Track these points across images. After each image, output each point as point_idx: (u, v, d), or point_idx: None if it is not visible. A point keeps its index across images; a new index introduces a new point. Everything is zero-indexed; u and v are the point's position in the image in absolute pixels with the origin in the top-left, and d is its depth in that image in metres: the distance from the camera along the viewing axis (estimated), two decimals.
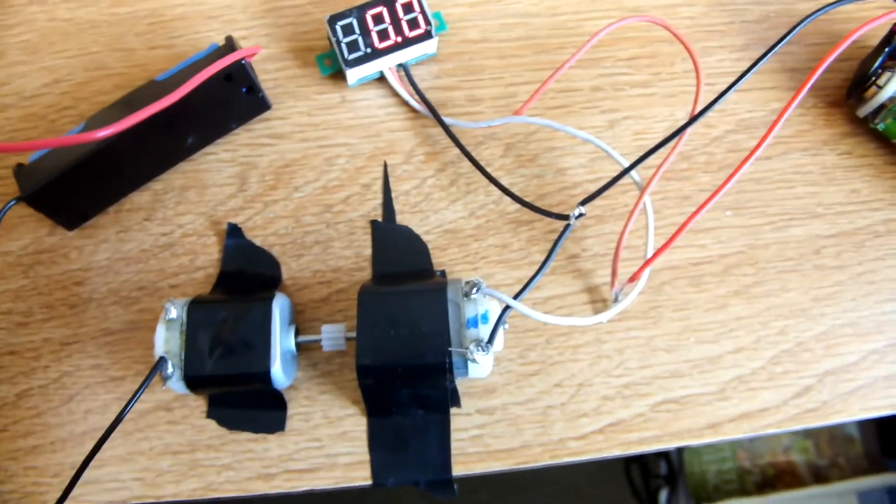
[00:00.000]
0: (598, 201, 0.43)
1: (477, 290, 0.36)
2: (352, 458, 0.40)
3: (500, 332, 0.36)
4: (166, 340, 0.37)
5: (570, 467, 1.36)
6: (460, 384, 0.41)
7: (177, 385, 0.37)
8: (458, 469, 0.40)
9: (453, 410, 0.40)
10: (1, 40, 0.48)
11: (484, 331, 0.36)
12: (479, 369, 0.36)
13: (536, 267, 0.37)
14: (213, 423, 0.41)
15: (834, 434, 1.27)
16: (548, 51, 0.46)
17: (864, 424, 1.26)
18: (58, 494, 0.38)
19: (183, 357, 0.37)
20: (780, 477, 1.28)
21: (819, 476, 1.27)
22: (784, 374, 0.41)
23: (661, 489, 1.35)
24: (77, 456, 0.41)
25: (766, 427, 0.40)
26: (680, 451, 1.31)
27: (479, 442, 0.40)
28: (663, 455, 1.34)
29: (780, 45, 0.37)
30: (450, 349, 0.36)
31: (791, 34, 0.38)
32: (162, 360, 0.37)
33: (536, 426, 0.40)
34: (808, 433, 1.28)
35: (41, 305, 0.43)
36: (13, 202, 0.41)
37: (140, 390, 0.36)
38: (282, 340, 0.38)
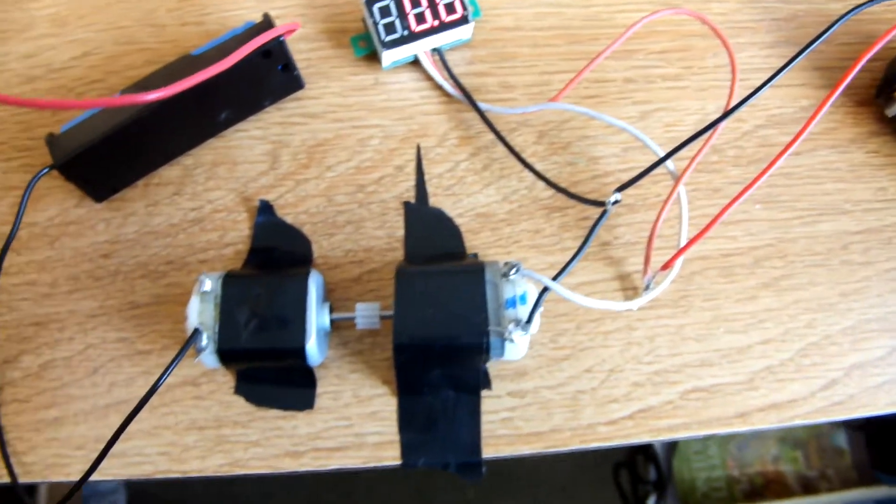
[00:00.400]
0: (630, 191, 0.43)
1: (516, 271, 0.36)
2: (381, 437, 0.40)
3: (537, 313, 0.36)
4: (200, 313, 0.37)
5: (559, 470, 1.36)
6: (492, 366, 0.41)
7: (209, 358, 0.37)
8: (488, 451, 0.40)
9: (484, 392, 0.40)
10: (30, 12, 0.47)
11: (522, 311, 0.36)
12: (515, 350, 0.36)
13: (568, 253, 0.37)
14: (240, 400, 0.41)
15: (823, 445, 1.28)
16: (580, 41, 0.47)
17: (854, 436, 1.27)
18: (80, 467, 0.38)
19: (217, 330, 0.37)
20: (769, 486, 1.28)
21: (808, 487, 1.28)
22: (812, 367, 0.41)
23: (650, 495, 1.35)
24: (100, 429, 0.40)
25: (794, 418, 0.41)
26: (669, 457, 1.31)
27: (509, 424, 0.40)
28: (652, 461, 1.34)
29: (816, 43, 0.37)
30: (488, 328, 0.36)
31: (828, 33, 0.38)
32: (197, 332, 0.36)
33: (567, 410, 0.40)
34: (798, 443, 1.29)
35: (67, 277, 0.43)
36: (46, 170, 0.40)
37: (176, 360, 0.35)
38: (317, 317, 0.38)
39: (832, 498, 1.27)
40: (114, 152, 0.41)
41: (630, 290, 0.42)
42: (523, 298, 0.36)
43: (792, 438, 1.29)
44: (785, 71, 0.37)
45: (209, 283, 0.37)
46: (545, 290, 0.35)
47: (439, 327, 0.36)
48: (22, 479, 0.40)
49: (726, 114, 0.38)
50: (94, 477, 0.39)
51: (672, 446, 1.31)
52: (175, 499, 1.31)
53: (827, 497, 1.27)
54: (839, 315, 0.42)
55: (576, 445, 0.40)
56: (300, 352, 0.37)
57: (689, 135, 0.38)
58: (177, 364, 0.35)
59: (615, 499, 1.39)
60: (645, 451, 1.36)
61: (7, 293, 0.42)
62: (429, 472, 1.24)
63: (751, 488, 1.29)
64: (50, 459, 0.40)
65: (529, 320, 0.35)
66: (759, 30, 0.47)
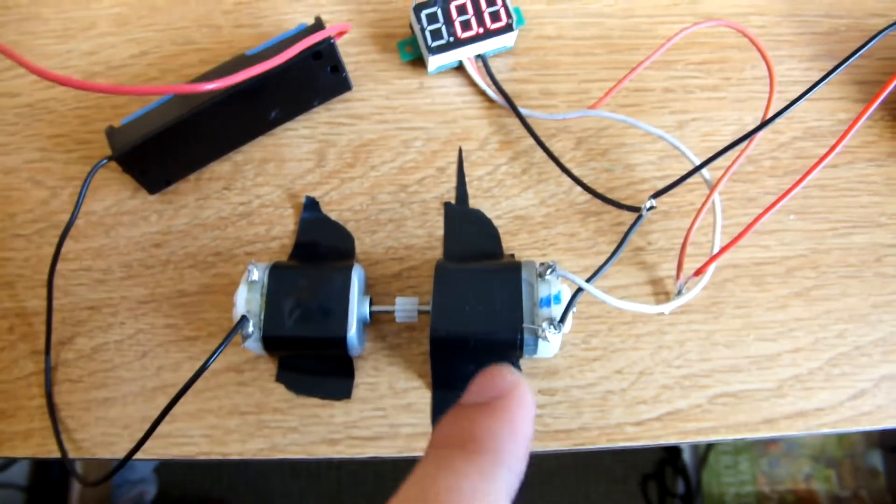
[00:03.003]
0: (664, 198, 0.44)
1: (551, 272, 0.37)
2: (414, 429, 0.41)
3: (571, 313, 0.37)
4: (247, 301, 0.39)
5: (586, 481, 1.36)
6: (524, 364, 0.42)
7: (254, 345, 0.39)
8: None
9: None
10: (92, 12, 0.49)
11: (556, 311, 0.37)
12: (548, 348, 0.37)
13: (603, 256, 0.38)
14: (280, 388, 0.42)
15: (857, 465, 1.27)
16: (621, 51, 0.48)
17: (890, 458, 1.25)
18: (126, 445, 0.40)
19: (262, 317, 0.38)
20: None
21: None
22: (841, 377, 0.42)
23: None
24: (147, 411, 0.42)
25: (821, 427, 0.41)
26: (698, 470, 1.31)
27: (539, 421, 0.41)
28: (681, 473, 1.34)
29: (855, 57, 0.38)
30: (523, 325, 0.37)
31: (866, 47, 0.39)
32: (244, 319, 0.38)
33: (596, 410, 0.41)
34: (831, 462, 1.28)
35: (120, 265, 0.45)
36: (105, 161, 0.42)
37: (223, 345, 0.37)
38: (358, 308, 0.39)
39: None
40: (168, 146, 0.43)
41: (662, 294, 0.43)
42: (557, 298, 0.37)
43: (825, 457, 1.28)
44: (822, 83, 0.38)
45: (257, 273, 0.39)
46: (579, 290, 0.36)
47: (475, 322, 0.37)
48: (72, 455, 0.42)
49: (763, 124, 0.39)
50: (139, 456, 0.41)
51: (702, 460, 1.31)
52: (203, 489, 1.33)
53: None
54: (870, 326, 0.43)
55: (603, 444, 0.41)
56: (341, 341, 0.38)
57: (725, 145, 0.39)
58: (223, 348, 0.37)
59: None
60: (673, 463, 1.35)
61: (64, 278, 0.45)
62: None
63: None
64: (98, 437, 0.42)
65: (563, 319, 0.36)
66: (799, 43, 0.48)
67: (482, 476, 0.27)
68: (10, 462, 1.11)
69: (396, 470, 1.32)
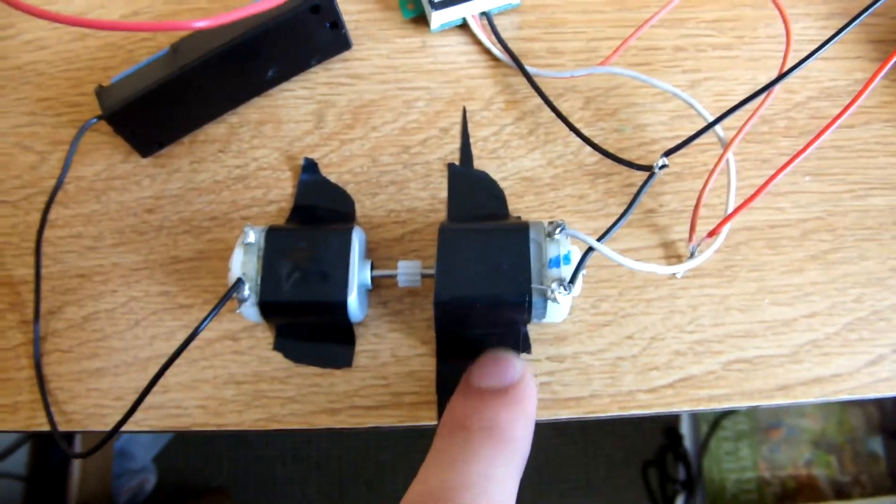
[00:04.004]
0: (676, 158, 0.42)
1: (560, 231, 0.36)
2: (418, 398, 0.40)
3: (580, 275, 0.35)
4: (243, 264, 0.37)
5: (586, 466, 1.35)
6: (532, 330, 0.40)
7: (250, 311, 0.37)
8: None
9: (523, 356, 0.40)
10: None
11: (566, 272, 0.36)
12: (557, 310, 0.36)
13: (612, 218, 0.36)
14: (278, 356, 0.41)
15: (858, 450, 1.26)
16: (630, 8, 0.46)
17: (890, 443, 1.24)
18: (118, 417, 0.38)
19: (259, 282, 0.37)
20: (801, 490, 1.27)
21: (840, 492, 1.26)
22: (858, 342, 0.40)
23: (678, 494, 1.34)
24: (140, 381, 0.41)
25: (838, 393, 0.40)
26: (699, 456, 1.30)
27: (547, 389, 0.39)
28: (682, 460, 1.33)
29: (868, 12, 0.36)
30: (531, 286, 0.35)
31: (879, 2, 0.37)
32: (239, 282, 0.36)
33: (606, 377, 0.40)
34: (832, 448, 1.27)
35: (112, 231, 0.43)
36: (94, 120, 0.41)
37: (216, 308, 0.36)
38: (359, 272, 0.38)
39: None
40: (161, 105, 0.41)
41: (674, 257, 0.42)
42: (567, 258, 0.36)
43: (826, 443, 1.27)
44: (835, 40, 0.37)
45: (253, 235, 0.37)
46: (590, 250, 0.35)
47: (481, 285, 0.36)
48: (62, 428, 0.41)
49: (778, 78, 0.38)
50: (131, 428, 0.39)
51: (703, 446, 1.30)
52: (204, 478, 1.33)
53: (860, 503, 1.25)
54: (889, 290, 0.41)
55: (615, 412, 0.39)
56: (341, 306, 0.37)
57: (744, 98, 0.37)
58: (217, 312, 0.36)
59: (643, 497, 1.38)
60: (675, 449, 1.35)
61: (53, 245, 0.43)
62: None
63: (782, 491, 1.27)
64: (90, 409, 0.41)
65: (573, 280, 0.35)
66: (815, 1, 0.46)
67: (508, 463, 0.31)
68: (9, 451, 1.10)
69: (397, 459, 1.31)
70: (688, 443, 1.32)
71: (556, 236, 0.36)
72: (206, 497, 1.30)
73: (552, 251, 0.36)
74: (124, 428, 0.38)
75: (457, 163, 0.43)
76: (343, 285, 0.37)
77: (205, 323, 0.36)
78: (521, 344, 0.39)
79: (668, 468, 1.35)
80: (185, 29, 0.30)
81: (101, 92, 0.41)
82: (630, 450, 1.36)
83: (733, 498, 1.27)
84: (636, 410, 0.39)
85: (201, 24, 0.31)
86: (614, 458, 1.36)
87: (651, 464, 1.37)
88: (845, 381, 0.40)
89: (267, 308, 0.37)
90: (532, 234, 0.37)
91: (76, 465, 1.13)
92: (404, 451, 1.30)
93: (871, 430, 1.26)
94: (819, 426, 1.26)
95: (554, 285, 0.35)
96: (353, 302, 0.37)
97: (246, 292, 0.37)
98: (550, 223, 0.36)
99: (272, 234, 0.38)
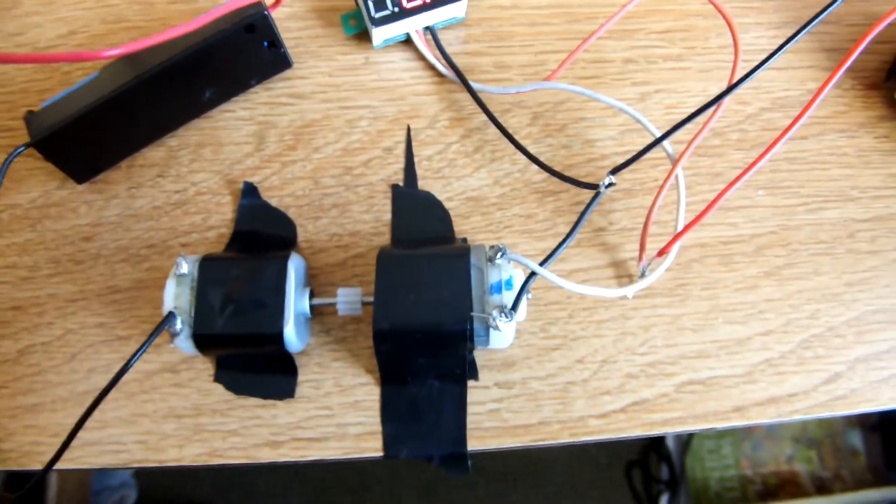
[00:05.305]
0: (626, 174, 0.41)
1: (501, 255, 0.35)
2: (363, 428, 0.39)
3: (524, 300, 0.34)
4: (176, 296, 0.36)
5: (571, 468, 1.34)
6: (479, 356, 0.39)
7: (184, 344, 0.36)
8: (474, 444, 0.38)
9: (470, 383, 0.39)
10: None
11: (507, 297, 0.34)
12: (500, 338, 0.35)
13: (561, 238, 0.35)
14: (220, 388, 0.39)
15: (838, 445, 1.26)
16: (579, 20, 0.45)
17: (869, 437, 1.24)
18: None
19: (193, 314, 0.36)
20: (783, 486, 1.26)
21: (822, 487, 1.26)
22: (814, 360, 0.39)
23: (662, 494, 1.34)
24: (78, 416, 0.39)
25: (794, 413, 0.39)
26: (682, 456, 1.30)
27: (496, 416, 0.38)
28: (665, 459, 1.33)
29: (817, 21, 0.36)
30: (472, 314, 0.34)
31: (829, 9, 0.36)
32: (171, 316, 0.35)
33: (556, 402, 0.39)
34: (812, 443, 1.27)
35: (47, 260, 0.42)
36: (22, 148, 0.39)
37: (146, 344, 0.34)
38: (296, 301, 0.36)
39: (846, 498, 1.25)
40: (94, 130, 0.40)
41: (625, 277, 0.41)
42: (509, 284, 0.35)
43: (806, 438, 1.27)
44: (784, 49, 0.35)
45: (186, 266, 0.36)
46: (532, 275, 0.34)
47: (421, 313, 0.35)
48: None
49: (727, 91, 0.37)
50: (66, 466, 0.38)
51: (685, 445, 1.30)
52: (185, 493, 1.31)
53: (841, 497, 1.25)
54: (844, 306, 0.40)
55: (565, 439, 0.38)
56: (278, 337, 0.35)
57: (693, 111, 0.36)
58: (145, 349, 0.34)
59: (628, 497, 1.37)
60: (658, 449, 1.34)
61: None
62: (438, 470, 1.23)
63: (764, 488, 1.27)
64: (26, 447, 0.39)
65: (515, 307, 0.34)
66: (766, 10, 0.46)
67: None
68: None
69: (381, 466, 1.30)
70: (671, 442, 1.32)
71: (498, 261, 0.35)
72: None
73: (493, 276, 0.35)
74: (60, 466, 0.37)
75: (401, 183, 0.42)
76: (279, 316, 0.35)
77: (134, 359, 0.34)
78: (468, 371, 0.38)
79: (652, 468, 1.34)
80: (94, 59, 0.29)
81: (29, 119, 0.39)
82: (614, 451, 1.36)
83: (717, 496, 1.27)
84: (587, 437, 0.38)
85: (112, 52, 0.30)
86: (598, 459, 1.36)
87: (635, 464, 1.36)
88: (801, 401, 0.39)
89: (201, 341, 0.36)
90: (473, 260, 0.35)
91: (53, 481, 1.11)
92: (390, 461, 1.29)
93: (850, 425, 1.26)
94: (799, 422, 1.26)
95: (495, 312, 0.34)
96: (290, 332, 0.36)
97: (178, 326, 0.35)
98: (492, 247, 0.35)
99: (206, 264, 0.37)
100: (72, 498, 1.16)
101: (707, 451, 1.30)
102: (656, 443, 1.35)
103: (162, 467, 0.39)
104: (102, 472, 1.24)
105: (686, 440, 1.30)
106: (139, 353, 0.34)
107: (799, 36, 0.36)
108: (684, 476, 1.30)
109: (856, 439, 1.27)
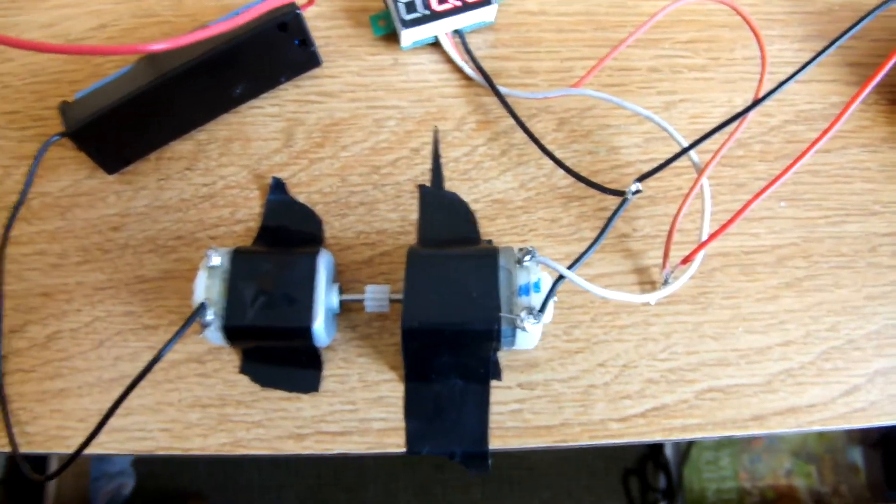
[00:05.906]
0: (651, 182, 0.42)
1: (531, 258, 0.35)
2: (386, 423, 0.39)
3: (551, 302, 0.34)
4: (207, 288, 0.36)
5: (567, 474, 1.35)
6: (502, 356, 0.40)
7: (214, 335, 0.36)
8: (495, 443, 0.39)
9: (493, 383, 0.39)
10: None
11: (535, 299, 0.35)
12: (527, 339, 0.35)
13: (585, 243, 0.36)
14: (245, 379, 0.40)
15: (838, 461, 1.26)
16: (606, 28, 0.46)
17: (870, 454, 1.24)
18: (82, 439, 0.37)
19: (223, 306, 0.36)
20: (781, 500, 1.26)
21: (820, 502, 1.26)
22: (833, 371, 0.40)
23: (659, 503, 1.34)
24: (104, 402, 0.40)
25: (812, 424, 0.39)
26: (680, 465, 1.30)
27: (517, 417, 0.39)
28: (662, 468, 1.33)
29: (846, 36, 0.36)
30: (500, 315, 0.35)
31: (859, 25, 0.37)
32: (203, 306, 0.36)
33: (577, 405, 0.39)
34: (811, 458, 1.27)
35: (76, 248, 0.42)
36: (57, 137, 0.40)
37: (179, 332, 0.35)
38: (325, 297, 0.37)
39: None
40: (126, 122, 0.40)
41: (648, 284, 0.41)
42: (537, 286, 0.35)
43: (806, 453, 1.27)
44: (813, 64, 0.36)
45: (217, 258, 0.37)
46: (560, 278, 0.34)
47: (450, 312, 0.35)
48: (23, 449, 0.40)
49: (754, 104, 0.37)
50: (93, 451, 0.38)
51: (683, 455, 1.30)
52: (182, 483, 1.31)
53: None
54: (864, 319, 0.41)
55: (585, 441, 0.38)
56: (306, 331, 0.36)
57: (719, 123, 0.37)
58: (179, 338, 0.35)
59: None
60: (655, 458, 1.34)
61: (16, 263, 0.42)
62: (435, 471, 1.23)
63: (762, 502, 1.27)
64: (52, 431, 0.40)
65: (542, 309, 0.34)
66: (791, 23, 0.46)
67: None
68: None
69: (377, 464, 1.30)
70: (668, 452, 1.32)
71: (527, 263, 0.36)
72: (184, 502, 1.29)
73: (522, 278, 0.35)
74: (87, 451, 0.37)
75: (428, 184, 0.42)
76: (308, 310, 0.36)
77: (167, 348, 0.35)
78: (491, 371, 0.39)
79: (649, 477, 1.34)
80: (139, 52, 0.29)
81: (64, 109, 0.40)
82: (611, 459, 1.36)
83: None
84: (607, 440, 0.39)
85: (158, 46, 0.30)
86: (595, 466, 1.36)
87: (632, 473, 1.36)
88: (820, 412, 0.39)
89: (231, 332, 0.36)
90: (502, 261, 0.36)
91: (53, 466, 1.12)
92: (384, 457, 1.29)
93: (850, 441, 1.26)
94: (799, 436, 1.26)
95: (523, 314, 0.34)
96: (319, 327, 0.36)
97: (209, 317, 0.36)
98: (520, 250, 0.36)
99: (237, 256, 0.37)
100: (71, 483, 1.16)
101: (705, 462, 1.30)
102: (654, 452, 1.35)
103: (186, 455, 0.39)
104: (101, 460, 1.24)
105: (685, 450, 1.30)
106: (172, 342, 0.35)
107: (829, 50, 0.36)
108: (681, 486, 1.30)
109: (856, 456, 1.27)
